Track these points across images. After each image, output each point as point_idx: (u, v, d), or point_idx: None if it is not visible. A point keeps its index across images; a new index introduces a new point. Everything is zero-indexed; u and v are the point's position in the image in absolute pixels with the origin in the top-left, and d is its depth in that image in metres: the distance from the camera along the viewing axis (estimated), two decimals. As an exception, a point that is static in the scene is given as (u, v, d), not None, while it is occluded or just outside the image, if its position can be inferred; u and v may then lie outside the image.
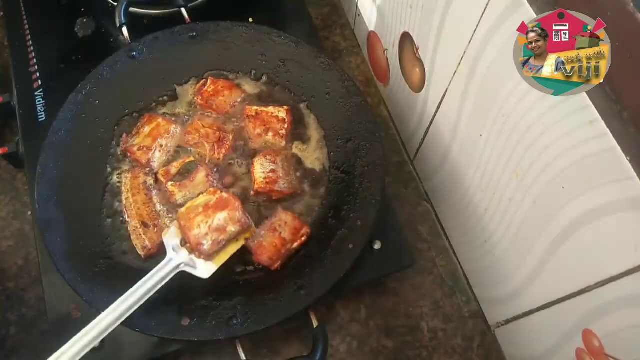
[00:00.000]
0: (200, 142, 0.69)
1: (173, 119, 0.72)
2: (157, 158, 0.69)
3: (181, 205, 0.63)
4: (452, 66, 0.62)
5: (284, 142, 0.71)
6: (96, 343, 0.54)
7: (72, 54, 0.82)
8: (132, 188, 0.67)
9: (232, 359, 0.60)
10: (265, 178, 0.66)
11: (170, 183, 0.67)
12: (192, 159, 0.68)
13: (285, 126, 0.71)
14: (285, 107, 0.72)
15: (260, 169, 0.67)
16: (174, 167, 0.67)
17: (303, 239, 0.64)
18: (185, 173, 0.67)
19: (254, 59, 0.75)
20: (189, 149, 0.70)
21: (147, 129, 0.70)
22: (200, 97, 0.72)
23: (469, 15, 0.55)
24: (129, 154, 0.69)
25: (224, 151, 0.69)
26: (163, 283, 0.58)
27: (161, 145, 0.69)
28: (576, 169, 0.47)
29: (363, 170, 0.68)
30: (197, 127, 0.70)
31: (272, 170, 0.67)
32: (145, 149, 0.68)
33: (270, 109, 0.72)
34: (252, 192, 0.67)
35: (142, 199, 0.66)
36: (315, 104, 0.73)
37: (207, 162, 0.69)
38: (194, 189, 0.66)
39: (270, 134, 0.70)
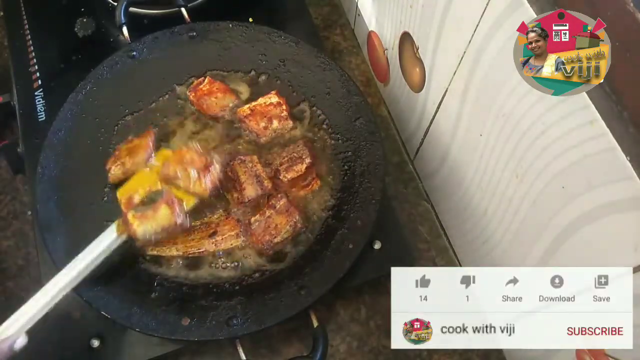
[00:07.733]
0: (182, 172, 0.61)
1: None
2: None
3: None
4: (452, 66, 0.62)
5: (290, 122, 0.71)
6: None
7: (72, 54, 0.82)
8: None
9: (232, 359, 0.60)
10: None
11: (131, 213, 0.59)
12: (159, 187, 0.61)
13: (284, 107, 0.71)
14: (273, 92, 0.72)
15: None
16: (138, 195, 0.61)
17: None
18: (150, 202, 0.60)
19: (254, 59, 0.75)
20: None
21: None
22: (193, 94, 0.72)
23: (469, 15, 0.55)
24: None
25: (209, 184, 0.61)
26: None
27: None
28: (576, 169, 0.47)
29: (363, 170, 0.68)
30: (181, 156, 0.63)
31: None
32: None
33: (260, 100, 0.72)
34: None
35: (142, 199, 0.65)
36: (315, 104, 0.73)
37: (191, 191, 0.61)
38: (155, 223, 0.58)
39: (274, 121, 0.71)
